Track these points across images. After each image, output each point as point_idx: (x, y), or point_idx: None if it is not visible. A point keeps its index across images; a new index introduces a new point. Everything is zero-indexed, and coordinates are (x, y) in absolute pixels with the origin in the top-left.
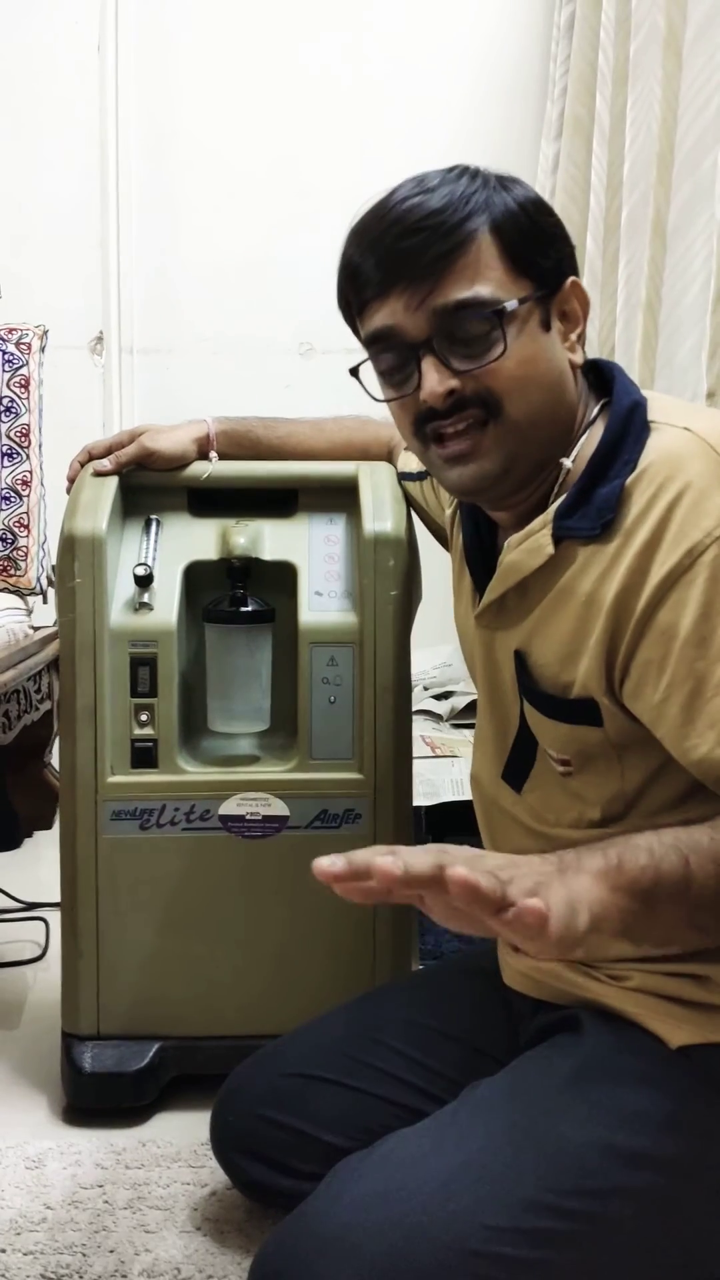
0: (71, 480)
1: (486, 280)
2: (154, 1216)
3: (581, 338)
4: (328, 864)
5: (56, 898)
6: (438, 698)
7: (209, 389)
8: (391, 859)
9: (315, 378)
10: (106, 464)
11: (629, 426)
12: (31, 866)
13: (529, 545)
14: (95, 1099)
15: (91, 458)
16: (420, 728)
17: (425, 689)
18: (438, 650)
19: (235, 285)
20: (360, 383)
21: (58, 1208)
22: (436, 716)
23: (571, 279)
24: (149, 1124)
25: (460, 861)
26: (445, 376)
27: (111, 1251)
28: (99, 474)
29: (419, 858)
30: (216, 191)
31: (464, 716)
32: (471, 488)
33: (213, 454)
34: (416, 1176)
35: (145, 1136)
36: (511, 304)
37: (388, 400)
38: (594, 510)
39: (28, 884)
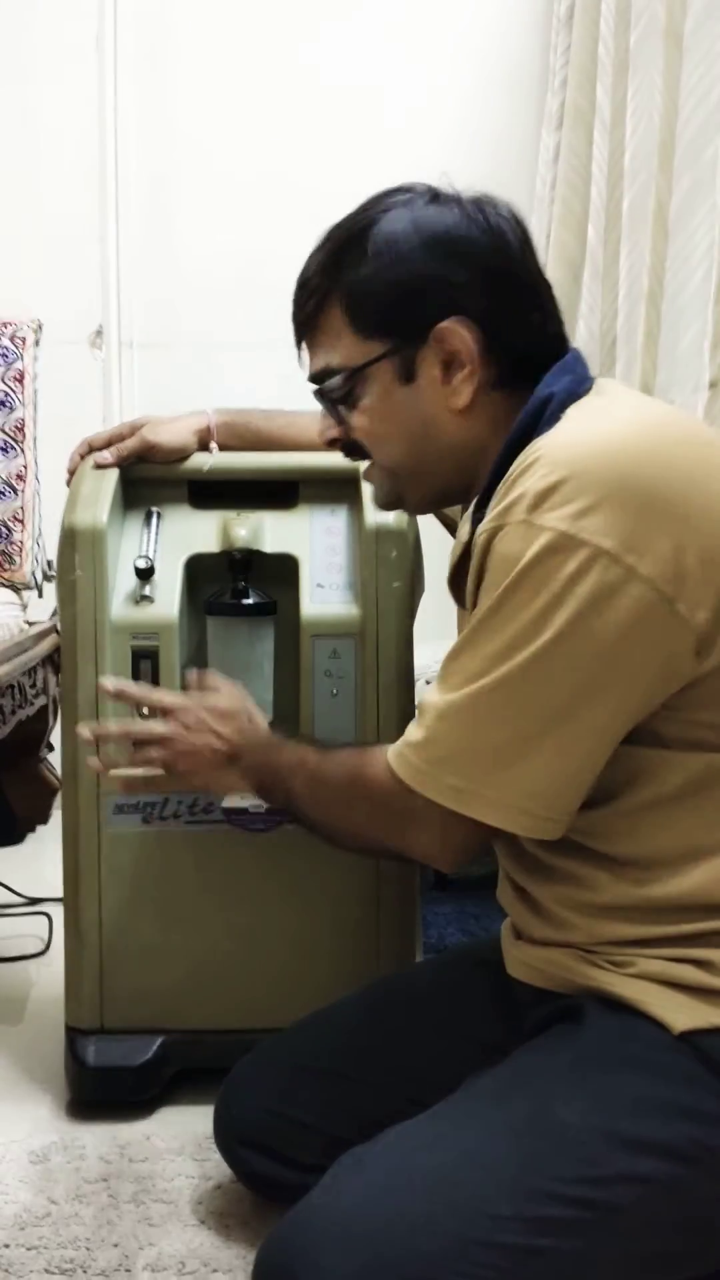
0: (71, 472)
1: (336, 349)
2: (158, 1210)
3: (471, 375)
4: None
5: (59, 892)
6: None
7: (208, 383)
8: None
9: None
10: (108, 456)
11: (537, 420)
12: (34, 861)
13: (460, 536)
14: (99, 1093)
15: (92, 450)
16: None
17: (427, 683)
18: (441, 644)
19: (235, 279)
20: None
21: (62, 1202)
22: None
23: (442, 325)
24: (153, 1118)
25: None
26: (328, 426)
27: (116, 1245)
28: (100, 466)
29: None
30: (216, 185)
31: None
32: (386, 508)
33: (213, 445)
34: (420, 1167)
35: (149, 1130)
36: (357, 361)
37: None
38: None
39: (30, 879)
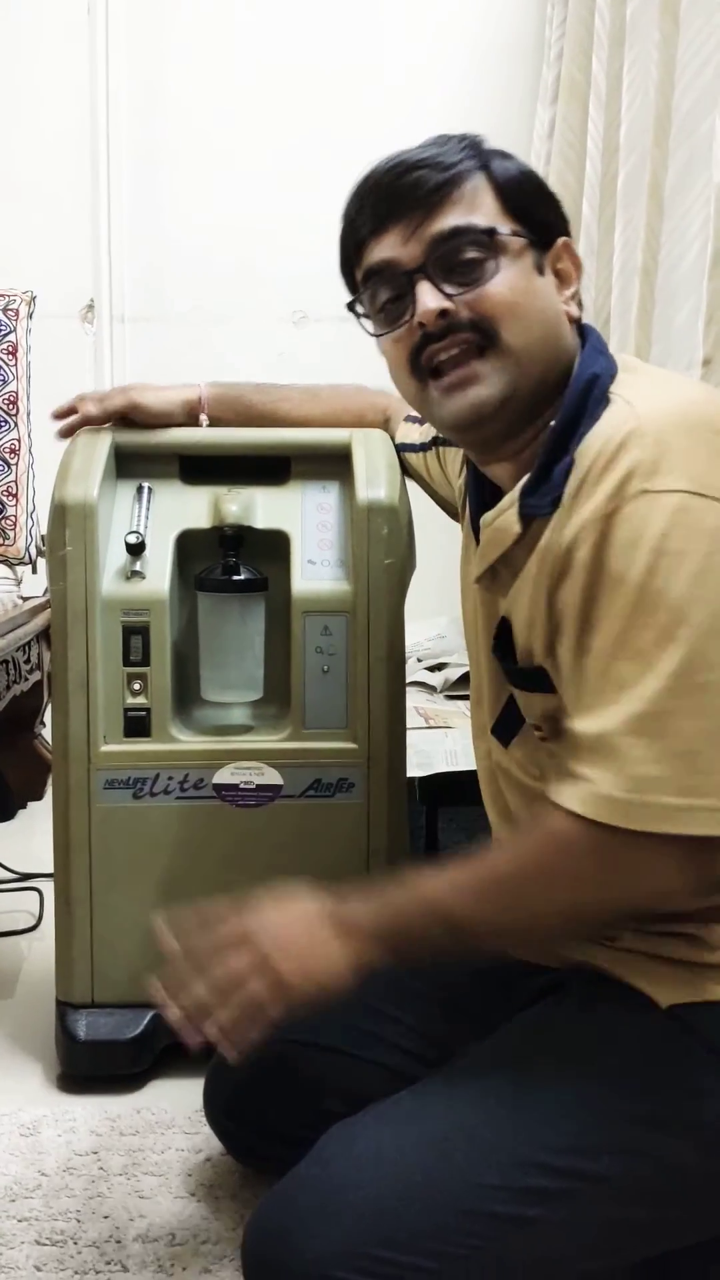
0: (60, 417)
1: (480, 212)
2: (149, 1183)
3: (576, 296)
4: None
5: (50, 868)
6: (432, 669)
7: (201, 357)
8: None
9: (308, 346)
10: (92, 408)
11: (586, 399)
12: (25, 837)
13: (500, 524)
14: (90, 1067)
15: (81, 401)
16: (414, 699)
17: (419, 660)
18: (432, 622)
19: (228, 253)
20: (357, 318)
21: (53, 1174)
22: (430, 688)
23: (563, 239)
24: (143, 1091)
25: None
26: (439, 297)
27: (106, 1217)
28: (86, 420)
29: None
30: (209, 158)
31: (458, 688)
32: (469, 417)
33: (203, 417)
34: (409, 1138)
35: (140, 1103)
36: (504, 230)
37: (381, 335)
38: (550, 487)
39: (21, 854)
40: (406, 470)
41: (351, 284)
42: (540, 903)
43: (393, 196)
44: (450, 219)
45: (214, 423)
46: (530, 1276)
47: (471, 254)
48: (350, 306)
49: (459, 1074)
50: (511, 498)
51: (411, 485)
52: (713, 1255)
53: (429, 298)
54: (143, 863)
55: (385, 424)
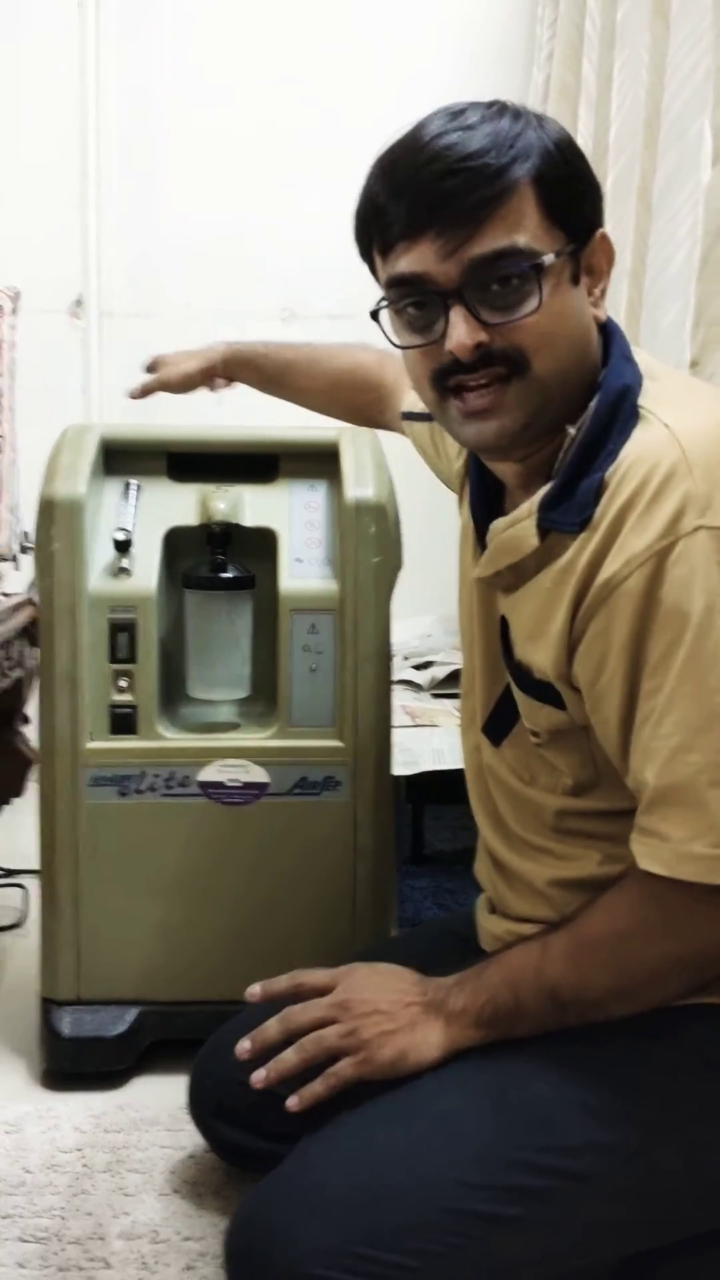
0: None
1: (524, 230)
2: (132, 1180)
3: (604, 292)
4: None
5: (35, 864)
6: (418, 667)
7: None
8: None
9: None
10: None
11: (616, 414)
12: (9, 833)
13: (516, 532)
14: (74, 1064)
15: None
16: (400, 697)
17: (406, 659)
18: (419, 620)
19: (217, 249)
20: (380, 326)
21: (36, 1171)
22: (417, 686)
23: (600, 231)
24: (127, 1088)
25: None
26: (475, 329)
27: (89, 1214)
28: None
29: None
30: (198, 154)
31: (444, 686)
32: (492, 444)
33: (219, 381)
34: (392, 1136)
35: (123, 1101)
36: (549, 258)
37: (408, 348)
38: (576, 505)
39: (5, 850)
40: (411, 439)
41: (368, 258)
42: (638, 962)
43: (432, 202)
44: (494, 241)
45: (230, 380)
46: (513, 1274)
47: (513, 281)
48: (374, 316)
49: (442, 1073)
50: (530, 508)
51: (396, 470)
52: (694, 1252)
53: (464, 330)
54: (129, 860)
55: (384, 398)
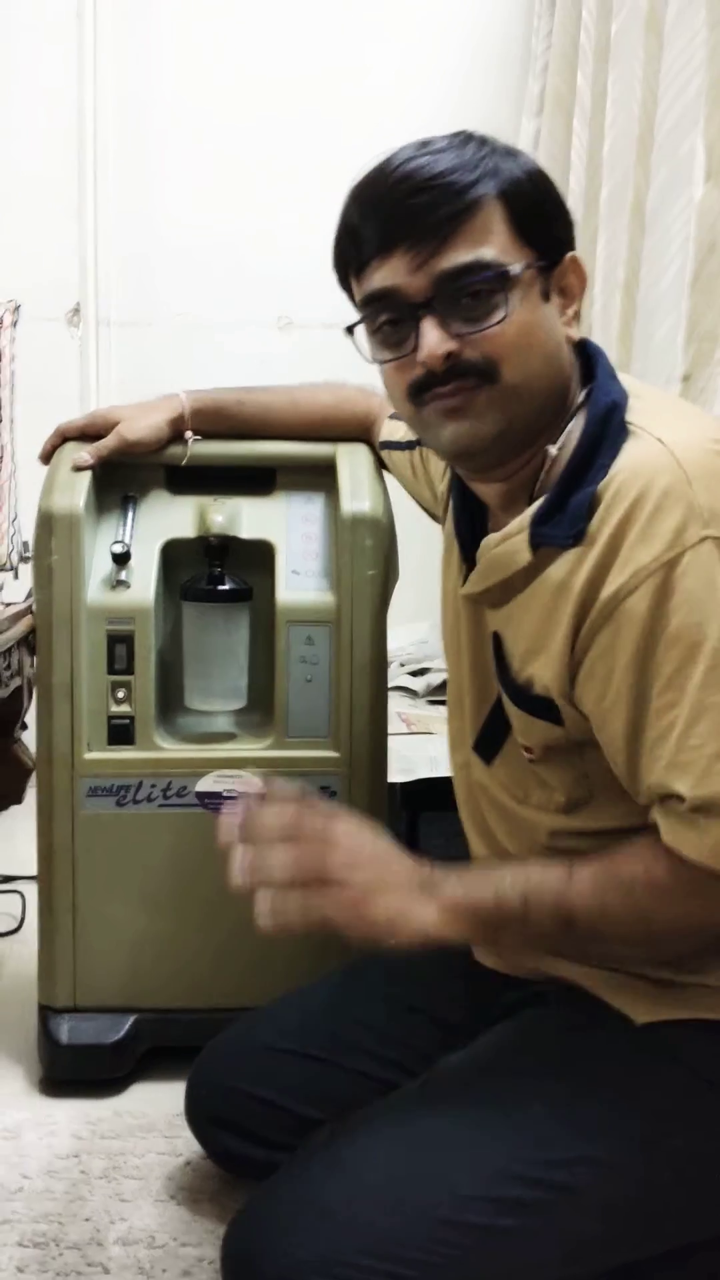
0: (45, 459)
1: (491, 244)
2: (129, 1186)
3: (577, 314)
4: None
5: (32, 870)
6: (414, 674)
7: (186, 362)
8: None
9: (293, 352)
10: (86, 457)
11: (606, 429)
12: (7, 840)
13: (507, 548)
14: (71, 1070)
15: (65, 439)
16: (396, 704)
17: (401, 665)
18: (414, 627)
19: (214, 258)
20: (354, 343)
21: (34, 1177)
22: (412, 693)
23: (571, 254)
24: (124, 1095)
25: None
26: (444, 338)
27: (87, 1220)
28: (79, 468)
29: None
30: (195, 163)
31: (440, 693)
32: (466, 446)
33: (189, 434)
34: (388, 1148)
35: (121, 1107)
36: (516, 268)
37: (382, 362)
38: (568, 519)
39: (3, 857)
40: (388, 468)
41: (346, 286)
42: (662, 913)
43: (401, 218)
44: (461, 254)
45: (198, 435)
46: None
47: (481, 291)
48: (349, 331)
49: (438, 1084)
50: (521, 524)
51: (392, 483)
52: (680, 1262)
53: (434, 340)
54: (125, 869)
55: (368, 431)
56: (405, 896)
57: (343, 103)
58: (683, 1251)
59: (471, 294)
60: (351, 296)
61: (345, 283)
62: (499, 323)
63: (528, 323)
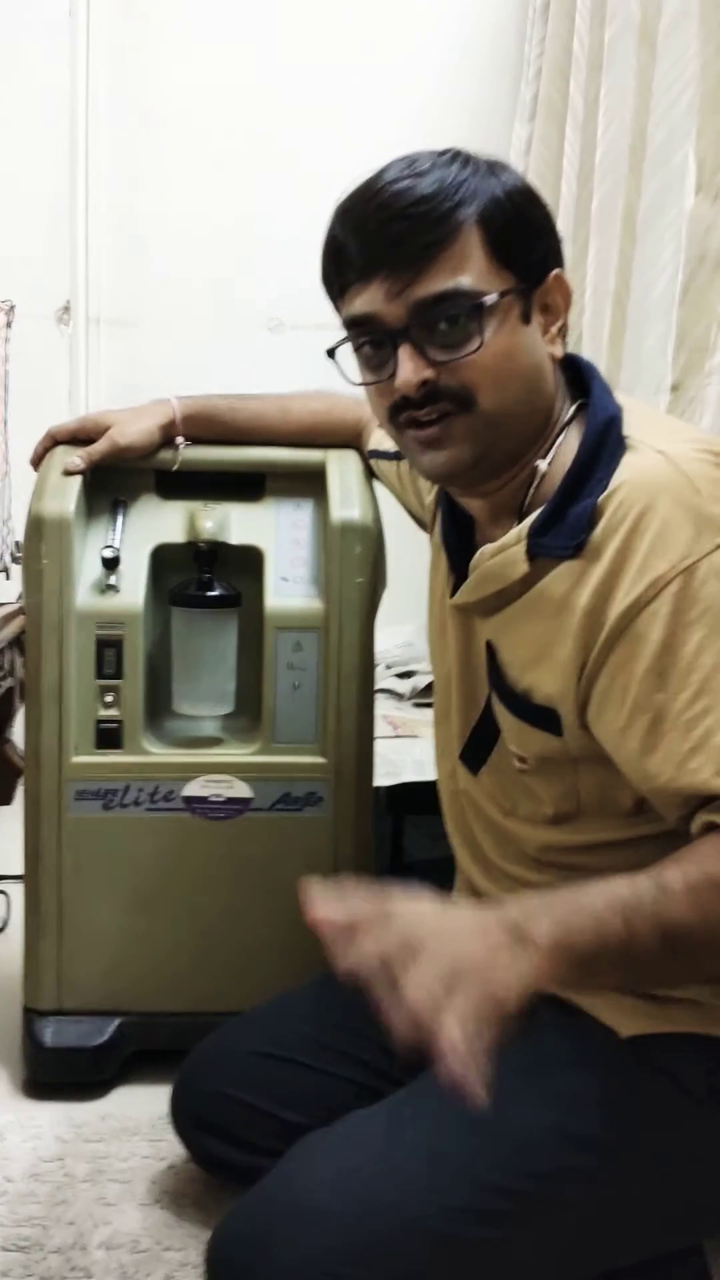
0: (36, 464)
1: (468, 271)
2: (113, 1189)
3: (563, 330)
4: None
5: (17, 871)
6: (399, 676)
7: (177, 361)
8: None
9: (285, 353)
10: (78, 462)
11: (604, 442)
12: None
13: (504, 559)
14: (56, 1073)
15: (56, 442)
16: (382, 706)
17: (388, 667)
18: (400, 629)
19: (205, 258)
20: (336, 365)
21: (18, 1180)
22: (398, 695)
23: (555, 272)
24: (109, 1098)
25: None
26: (420, 367)
27: (71, 1224)
28: (70, 473)
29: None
30: (187, 163)
31: (426, 695)
32: (445, 473)
33: (179, 440)
34: (373, 1156)
35: (105, 1110)
36: (491, 298)
37: (364, 384)
38: (567, 530)
39: None
40: (377, 476)
41: (334, 302)
42: None
43: (380, 246)
44: (438, 282)
45: (189, 440)
46: None
47: (456, 321)
48: (330, 353)
49: (424, 1093)
50: (519, 534)
51: (380, 487)
52: (657, 1267)
53: (410, 368)
54: (112, 872)
55: (357, 437)
56: (506, 967)
57: (335, 105)
58: (658, 1262)
59: (449, 321)
60: (337, 309)
61: (331, 295)
62: (475, 351)
63: (505, 349)
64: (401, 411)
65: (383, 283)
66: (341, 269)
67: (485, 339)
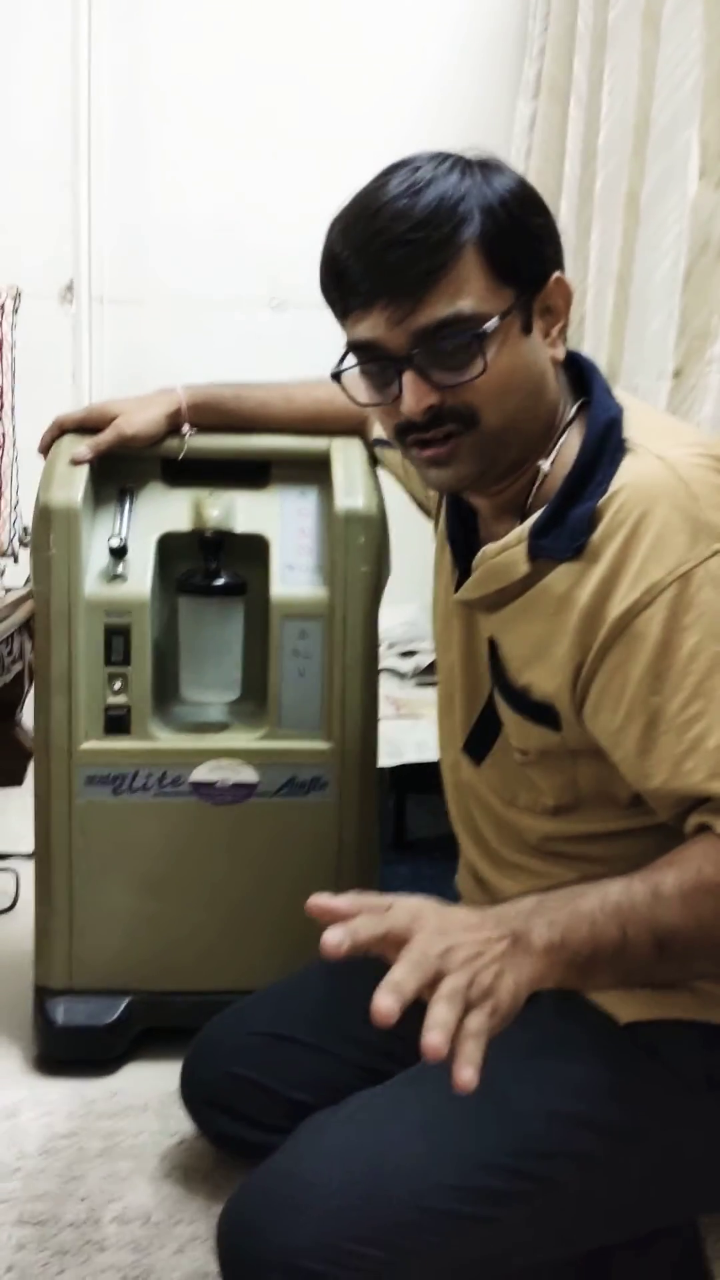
0: (44, 452)
1: (468, 295)
2: (124, 1165)
3: (563, 331)
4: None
5: (27, 849)
6: (402, 655)
7: (180, 341)
8: (341, 934)
9: (287, 332)
10: (85, 452)
11: (604, 445)
12: (1, 818)
13: (505, 559)
14: (67, 1051)
15: (63, 431)
16: (384, 686)
17: (390, 646)
18: (403, 608)
19: (208, 237)
20: (343, 388)
21: (31, 1156)
22: (400, 674)
23: (556, 275)
24: (119, 1075)
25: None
26: (424, 394)
27: (83, 1199)
28: (77, 462)
29: (370, 923)
30: (190, 142)
31: (428, 674)
32: (452, 488)
33: (185, 427)
34: (378, 1135)
35: (116, 1087)
36: (492, 323)
37: (370, 405)
38: (567, 532)
39: None
40: (381, 464)
41: (336, 314)
42: None
43: (379, 274)
44: (439, 309)
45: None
46: (486, 1266)
47: (458, 347)
48: (335, 377)
49: (427, 1076)
50: (520, 535)
51: (385, 476)
52: (645, 1245)
53: (413, 395)
54: (121, 856)
55: (361, 425)
56: (511, 970)
57: (338, 81)
58: (647, 1237)
59: (450, 348)
60: (340, 323)
61: (333, 311)
62: (479, 375)
63: (508, 367)
64: (408, 433)
65: (384, 310)
66: (343, 292)
67: (488, 360)
